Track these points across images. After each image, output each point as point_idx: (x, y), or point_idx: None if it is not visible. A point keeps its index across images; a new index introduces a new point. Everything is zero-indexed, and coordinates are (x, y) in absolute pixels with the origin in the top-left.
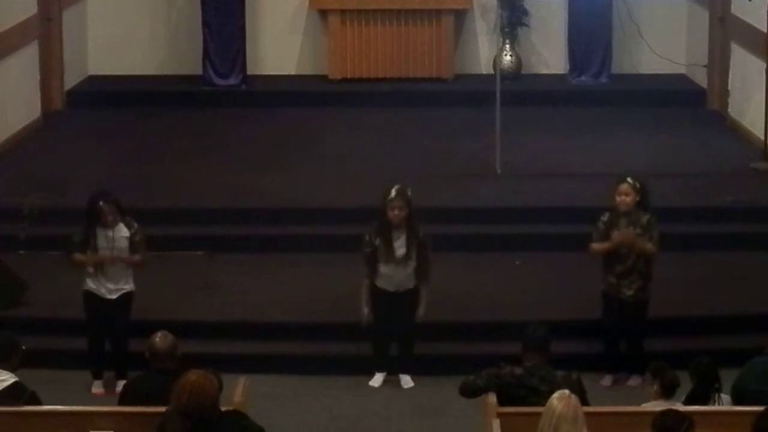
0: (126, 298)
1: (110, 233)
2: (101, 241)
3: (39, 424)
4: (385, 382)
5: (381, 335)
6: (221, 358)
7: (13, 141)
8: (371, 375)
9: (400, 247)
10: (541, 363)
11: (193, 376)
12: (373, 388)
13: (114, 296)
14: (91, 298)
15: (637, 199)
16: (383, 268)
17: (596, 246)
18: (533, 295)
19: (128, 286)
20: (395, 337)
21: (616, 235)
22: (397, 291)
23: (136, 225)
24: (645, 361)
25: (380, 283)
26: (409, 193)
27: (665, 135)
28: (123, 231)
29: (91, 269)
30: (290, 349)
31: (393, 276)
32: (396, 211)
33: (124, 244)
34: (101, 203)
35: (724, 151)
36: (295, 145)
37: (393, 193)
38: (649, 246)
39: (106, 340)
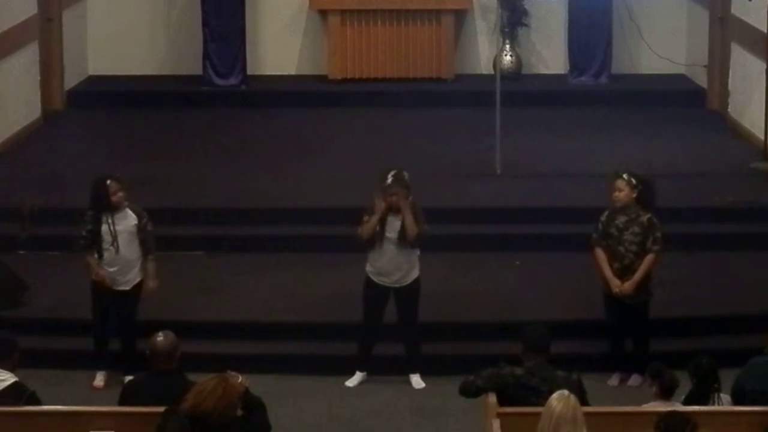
0: (138, 288)
1: (114, 221)
2: (104, 232)
3: (39, 424)
4: (388, 382)
5: (369, 334)
6: (221, 358)
7: (13, 141)
8: (369, 375)
9: (395, 230)
10: (542, 363)
11: (215, 383)
12: (372, 388)
13: (128, 287)
14: (101, 290)
15: (634, 195)
16: (378, 255)
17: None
18: (533, 295)
19: (140, 276)
20: (399, 337)
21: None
22: (395, 286)
23: (146, 214)
24: (649, 360)
25: (377, 276)
26: (407, 177)
27: (665, 135)
28: (130, 218)
29: (100, 272)
30: (290, 349)
31: (390, 263)
32: (394, 198)
33: (131, 230)
34: (109, 181)
35: (724, 151)
36: (294, 145)
37: (389, 179)
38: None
39: (112, 335)
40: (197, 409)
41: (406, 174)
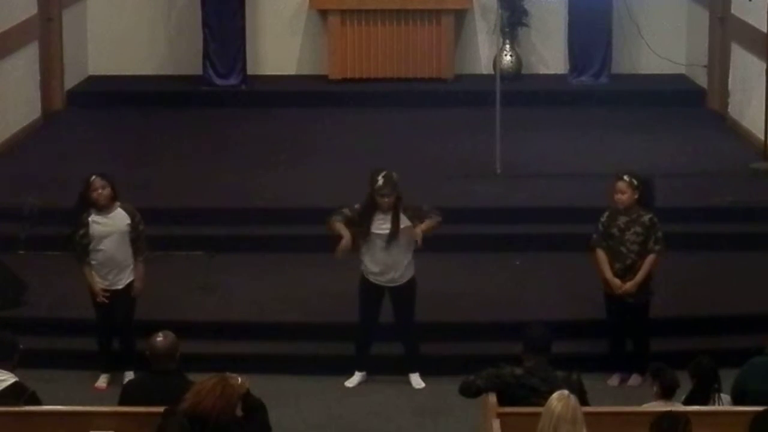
0: (131, 287)
1: (101, 221)
2: (94, 232)
3: (39, 424)
4: (388, 382)
5: (365, 334)
6: (221, 358)
7: (13, 141)
8: (369, 375)
9: (385, 228)
10: (542, 363)
11: (214, 382)
12: (372, 388)
13: (121, 286)
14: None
15: (636, 196)
16: (370, 254)
17: (602, 271)
18: (533, 295)
19: (132, 275)
20: (397, 337)
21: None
22: (391, 285)
23: (138, 214)
24: (649, 360)
25: (372, 275)
26: (395, 177)
27: (665, 135)
28: (122, 218)
29: (96, 289)
30: (290, 349)
31: (383, 262)
32: (386, 199)
33: (123, 229)
34: (93, 177)
35: (724, 151)
36: (294, 145)
37: (380, 180)
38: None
39: (113, 334)
40: (196, 409)
41: (394, 174)
